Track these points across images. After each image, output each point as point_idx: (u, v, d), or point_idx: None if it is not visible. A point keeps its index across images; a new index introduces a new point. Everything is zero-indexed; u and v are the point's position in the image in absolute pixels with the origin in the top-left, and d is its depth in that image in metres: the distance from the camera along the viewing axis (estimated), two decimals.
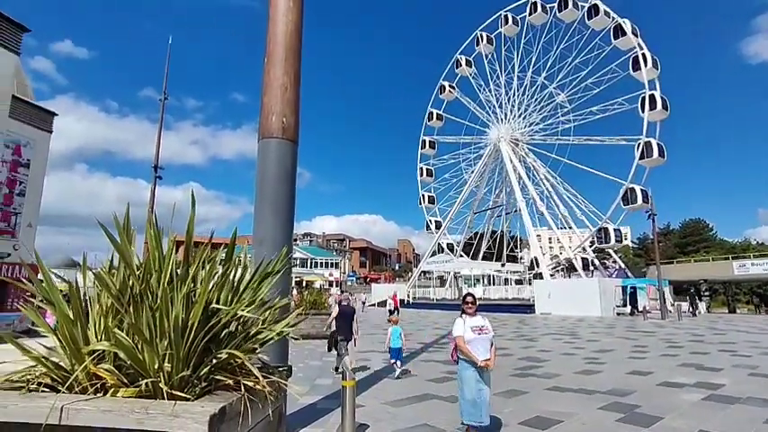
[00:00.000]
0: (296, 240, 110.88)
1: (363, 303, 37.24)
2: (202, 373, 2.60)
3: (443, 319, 26.66)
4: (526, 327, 20.32)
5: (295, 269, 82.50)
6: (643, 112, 35.66)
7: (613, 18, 38.28)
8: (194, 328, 2.54)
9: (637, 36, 37.72)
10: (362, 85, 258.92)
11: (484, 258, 49.56)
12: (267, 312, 3.15)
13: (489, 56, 50.40)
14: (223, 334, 2.85)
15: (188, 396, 2.38)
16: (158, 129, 37.84)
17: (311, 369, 9.46)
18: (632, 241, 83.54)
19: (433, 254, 48.05)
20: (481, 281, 44.54)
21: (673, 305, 30.52)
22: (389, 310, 25.37)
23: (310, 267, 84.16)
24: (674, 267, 45.32)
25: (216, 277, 2.90)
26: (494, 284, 43.34)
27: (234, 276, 2.98)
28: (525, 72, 46.45)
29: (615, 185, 36.98)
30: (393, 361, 8.96)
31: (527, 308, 32.39)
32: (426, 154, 55.58)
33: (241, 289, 2.96)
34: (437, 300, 43.82)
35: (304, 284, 76.65)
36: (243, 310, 2.67)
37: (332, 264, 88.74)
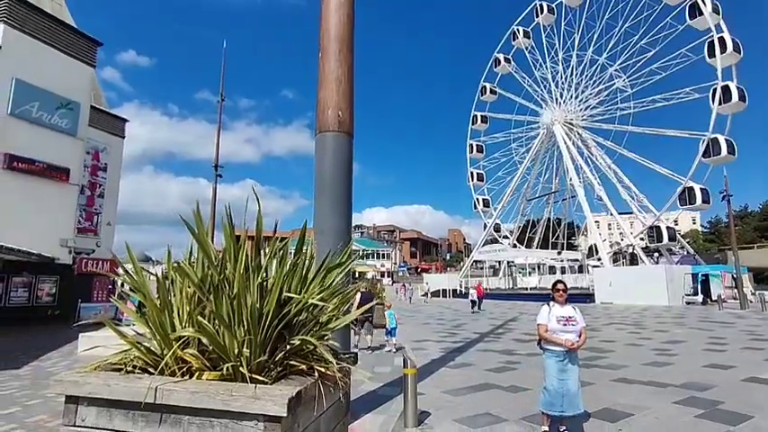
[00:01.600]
0: None
1: (410, 296, 37.19)
2: (278, 358, 2.73)
3: (497, 308, 26.21)
4: (587, 317, 19.40)
5: None
6: (712, 57, 32.32)
7: None
8: (269, 316, 2.67)
9: (718, 14, 33.69)
10: (410, 76, 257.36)
11: (539, 247, 48.04)
12: (335, 301, 3.25)
13: (549, 28, 47.45)
14: (295, 321, 2.98)
15: (266, 380, 2.51)
16: (217, 129, 39.68)
17: (370, 357, 9.64)
18: (702, 225, 77.75)
19: (486, 243, 47.18)
20: (536, 270, 43.17)
21: (754, 294, 28.18)
22: (472, 301, 25.02)
23: (362, 258, 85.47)
24: (754, 253, 41.79)
25: (286, 267, 3.02)
26: (550, 273, 41.85)
27: (303, 267, 3.10)
28: (585, 50, 43.93)
29: (690, 149, 34.09)
30: (387, 339, 11.33)
31: (586, 297, 31.09)
32: (477, 129, 53.90)
33: (309, 278, 3.07)
34: (490, 290, 43.09)
35: (356, 275, 78.13)
36: (313, 299, 2.77)
37: (383, 255, 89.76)
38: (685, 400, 5.80)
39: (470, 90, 57.23)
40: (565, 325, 4.43)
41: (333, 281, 3.10)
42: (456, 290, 43.66)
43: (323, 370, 2.81)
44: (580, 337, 4.48)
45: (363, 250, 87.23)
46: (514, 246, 47.82)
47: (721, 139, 31.69)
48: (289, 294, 2.78)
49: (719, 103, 31.92)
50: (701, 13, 33.51)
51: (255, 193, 3.17)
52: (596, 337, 12.34)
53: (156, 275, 2.75)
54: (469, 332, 14.31)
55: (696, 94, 34.85)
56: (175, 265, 2.96)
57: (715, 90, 32.50)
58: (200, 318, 2.59)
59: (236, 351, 2.61)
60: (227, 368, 2.59)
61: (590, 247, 42.47)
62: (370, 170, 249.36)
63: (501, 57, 51.87)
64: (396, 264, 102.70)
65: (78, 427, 2.43)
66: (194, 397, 2.32)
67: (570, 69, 44.45)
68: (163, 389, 2.33)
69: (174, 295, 3.03)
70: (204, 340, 2.61)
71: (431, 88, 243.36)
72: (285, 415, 2.27)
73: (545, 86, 46.73)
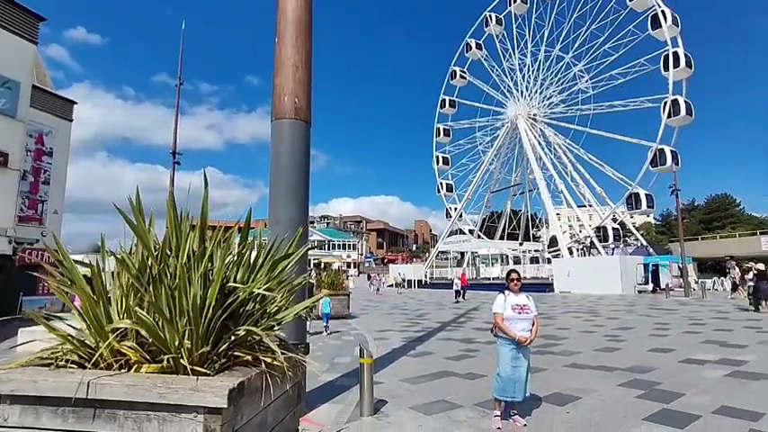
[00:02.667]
0: (313, 223, 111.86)
1: (378, 286, 37.17)
2: (221, 349, 2.67)
3: None
4: (544, 305, 20.20)
5: (313, 251, 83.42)
6: (666, 70, 34.10)
7: None
8: (212, 306, 2.60)
9: (677, 27, 35.54)
10: (377, 66, 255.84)
11: (502, 238, 49.22)
12: (284, 291, 3.20)
13: (500, 36, 48.99)
14: (241, 312, 2.91)
15: (208, 371, 2.45)
16: (175, 115, 38.09)
17: (330, 348, 9.61)
18: (655, 218, 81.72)
19: (451, 234, 47.91)
20: (499, 260, 44.30)
21: (697, 282, 29.93)
22: (456, 291, 25.28)
23: (328, 249, 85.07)
24: (699, 244, 44.38)
25: (231, 257, 2.94)
26: (512, 264, 43.03)
27: (250, 256, 3.03)
28: (539, 47, 45.10)
29: (641, 153, 35.72)
30: (325, 324, 12.26)
31: (546, 286, 32.17)
32: (441, 141, 54.77)
33: (257, 268, 3.01)
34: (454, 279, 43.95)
35: (322, 266, 77.65)
36: (259, 289, 2.71)
37: (349, 245, 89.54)
38: (629, 382, 6.10)
39: (439, 81, 57.31)
40: (520, 313, 4.53)
41: (281, 271, 3.05)
42: (421, 280, 44.18)
43: (269, 361, 2.77)
44: (533, 326, 4.61)
45: (329, 241, 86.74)
46: (479, 237, 48.79)
47: (680, 99, 33.41)
48: (233, 284, 2.72)
49: (669, 116, 33.74)
50: (661, 25, 34.99)
51: (206, 177, 3.06)
52: (552, 325, 12.80)
53: (92, 265, 2.62)
54: (432, 322, 14.53)
55: (649, 103, 36.55)
56: (114, 254, 2.84)
57: (666, 57, 34.21)
58: (137, 309, 2.49)
59: (176, 343, 2.52)
60: (168, 360, 2.51)
61: (550, 239, 43.83)
62: (337, 160, 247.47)
63: (457, 70, 52.72)
64: (362, 255, 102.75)
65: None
66: (130, 390, 2.24)
67: (537, 64, 45.45)
68: (96, 383, 2.23)
69: (114, 287, 2.90)
70: (143, 332, 2.52)
71: (400, 79, 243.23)
72: (226, 406, 2.22)
73: (512, 78, 47.65)
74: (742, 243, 41.48)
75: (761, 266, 15.87)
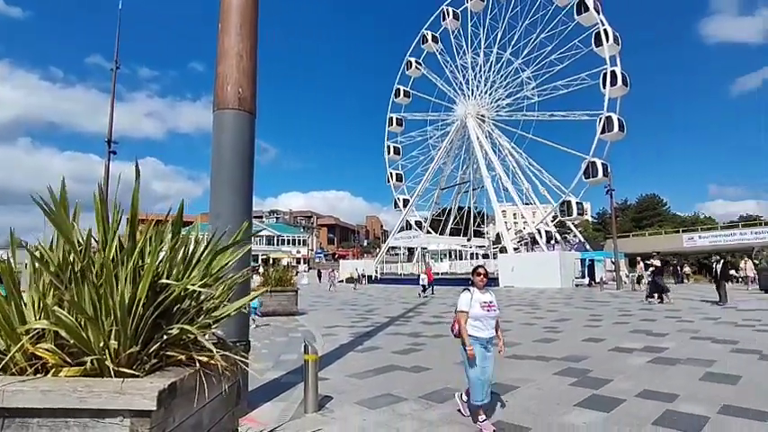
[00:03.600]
0: (261, 217, 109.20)
1: (332, 282, 36.80)
2: (152, 349, 2.53)
3: (410, 293, 27.13)
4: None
5: (261, 246, 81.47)
6: (604, 87, 36.44)
7: None
8: (142, 304, 2.45)
9: (599, 12, 38.05)
10: (330, 58, 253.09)
11: (451, 234, 50.46)
12: (222, 287, 3.08)
13: (455, 31, 50.06)
14: (175, 309, 2.77)
15: (137, 373, 2.31)
16: (111, 100, 35.93)
17: (277, 345, 9.44)
18: (592, 216, 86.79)
19: (401, 230, 48.47)
20: (447, 256, 45.40)
21: (627, 276, 32.15)
22: (423, 286, 25.37)
23: (277, 245, 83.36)
24: (630, 240, 47.65)
25: (166, 252, 2.79)
26: (460, 259, 44.24)
27: (185, 251, 2.89)
28: (491, 48, 46.54)
29: (577, 161, 37.98)
30: (252, 317, 12.54)
31: (491, 281, 33.24)
32: (393, 131, 55.28)
33: (193, 264, 2.87)
34: (404, 275, 44.49)
35: (271, 262, 76.02)
36: (194, 285, 2.59)
37: (299, 241, 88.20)
38: (563, 370, 6.46)
39: (392, 75, 57.55)
40: (488, 311, 4.35)
41: (220, 266, 2.93)
42: (372, 276, 44.36)
43: (205, 360, 2.66)
44: (497, 331, 4.50)
45: (278, 236, 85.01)
46: (428, 233, 49.70)
47: (614, 117, 35.80)
48: (166, 281, 2.58)
49: (603, 131, 35.99)
50: (587, 10, 37.55)
51: (138, 166, 2.86)
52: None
53: (1, 262, 2.39)
54: (381, 317, 14.64)
55: (590, 80, 38.86)
56: (28, 249, 2.61)
57: (605, 74, 36.48)
58: (56, 308, 2.30)
59: (101, 344, 2.36)
60: (92, 362, 2.35)
61: (496, 235, 45.43)
62: (287, 154, 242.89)
63: (413, 60, 53.53)
64: (312, 250, 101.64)
65: None
66: (46, 397, 2.07)
67: (489, 65, 46.81)
68: (5, 390, 2.05)
69: (30, 285, 2.67)
70: (62, 333, 2.33)
71: (353, 73, 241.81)
72: (155, 408, 2.10)
73: (457, 84, 48.99)
74: (667, 240, 45.04)
75: (657, 262, 17.34)
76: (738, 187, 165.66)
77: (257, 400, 5.16)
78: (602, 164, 35.91)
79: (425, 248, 46.03)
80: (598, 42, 37.12)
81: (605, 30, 36.86)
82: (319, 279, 48.61)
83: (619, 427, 4.23)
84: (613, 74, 36.10)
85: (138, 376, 2.30)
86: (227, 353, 2.93)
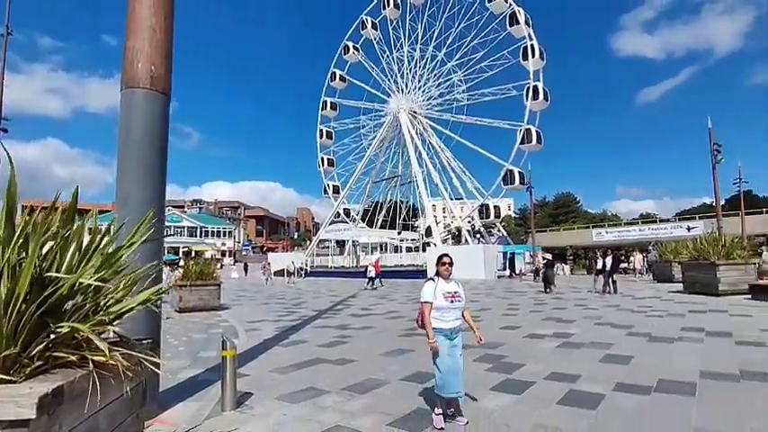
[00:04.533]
0: (183, 207, 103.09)
1: (268, 276, 35.19)
2: (36, 350, 2.26)
3: (340, 286, 27.11)
4: (417, 290, 21.45)
5: (183, 239, 76.99)
6: (527, 100, 38.71)
7: (510, 4, 40.30)
8: (23, 300, 2.18)
9: (529, 26, 40.14)
10: (262, 42, 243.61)
11: (382, 227, 51.03)
12: (125, 281, 2.83)
13: (395, 21, 50.29)
14: (66, 306, 2.50)
15: (13, 378, 2.05)
16: (1, 71, 31.88)
17: (195, 342, 8.97)
18: (514, 212, 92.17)
19: (332, 222, 48.19)
20: (378, 249, 45.91)
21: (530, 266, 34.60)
22: (370, 278, 25.26)
23: (200, 236, 79.27)
24: (547, 235, 51.24)
25: (55, 242, 2.50)
26: (390, 252, 44.93)
27: (80, 241, 2.61)
28: (428, 45, 47.49)
29: (499, 164, 40.06)
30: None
31: (420, 273, 34.22)
32: (327, 116, 54.62)
33: (89, 255, 2.60)
34: (335, 268, 44.34)
35: (193, 254, 72.10)
36: (88, 278, 2.35)
37: (225, 233, 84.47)
38: (481, 357, 6.78)
39: (324, 65, 56.71)
40: (452, 301, 4.18)
41: (119, 258, 2.68)
42: (302, 269, 43.69)
43: (102, 360, 2.43)
44: (466, 318, 4.39)
45: (201, 227, 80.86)
46: (360, 225, 49.89)
47: (533, 129, 38.30)
48: (54, 274, 2.31)
49: (532, 99, 38.45)
50: (518, 23, 39.61)
51: (7, 152, 2.50)
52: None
53: None
54: (309, 310, 14.46)
55: (515, 91, 41.04)
56: None
57: (528, 88, 38.72)
58: None
59: None
60: None
61: (426, 228, 46.64)
62: (214, 140, 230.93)
63: (350, 45, 53.11)
64: (240, 242, 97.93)
65: None
66: None
67: (414, 62, 47.66)
68: None
69: None
70: None
71: (288, 58, 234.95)
72: (34, 416, 1.89)
73: (392, 77, 49.37)
74: (579, 234, 49.03)
75: (548, 256, 19.00)
76: (640, 188, 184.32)
77: (170, 400, 4.86)
78: (519, 172, 38.38)
79: (356, 241, 46.18)
80: (525, 56, 39.22)
81: (532, 45, 39.00)
82: (246, 272, 46.91)
83: (528, 408, 4.52)
84: (536, 88, 38.48)
85: (13, 382, 2.05)
86: (129, 351, 2.71)
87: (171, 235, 74.72)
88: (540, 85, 38.83)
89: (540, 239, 46.54)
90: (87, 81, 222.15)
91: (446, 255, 4.44)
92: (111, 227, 3.25)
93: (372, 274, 25.77)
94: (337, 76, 53.64)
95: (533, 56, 38.68)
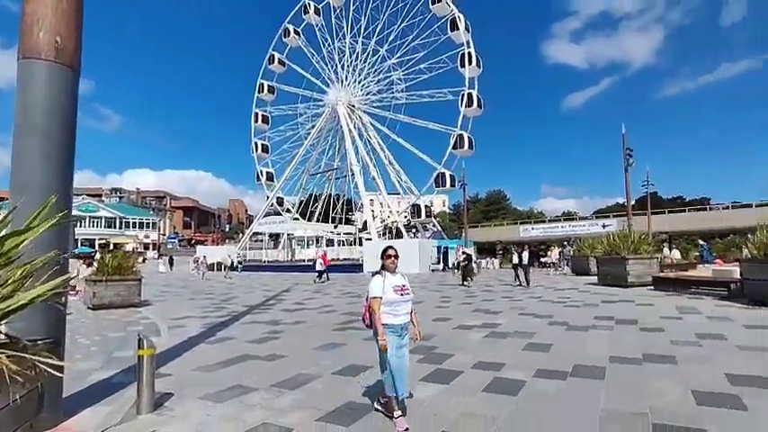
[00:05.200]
0: (101, 196, 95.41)
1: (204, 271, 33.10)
2: None
3: (274, 281, 26.45)
4: (353, 284, 21.53)
5: (100, 230, 71.21)
6: (462, 67, 40.25)
7: (452, 9, 41.29)
8: None
9: (468, 32, 41.59)
10: (196, 20, 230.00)
11: (318, 220, 50.40)
12: (17, 273, 2.50)
13: (338, 9, 49.82)
14: None
15: None
16: None
17: (110, 341, 8.30)
18: (449, 208, 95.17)
19: (267, 214, 46.82)
20: (315, 242, 45.34)
21: (476, 262, 36.05)
22: (319, 271, 24.70)
23: (120, 228, 73.68)
24: (479, 230, 53.48)
25: None
26: (328, 246, 44.55)
27: None
28: (356, 39, 47.57)
29: (446, 142, 41.56)
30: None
31: (357, 267, 34.31)
32: (264, 99, 52.82)
33: None
34: (269, 262, 43.18)
35: (111, 247, 66.87)
36: None
37: (148, 224, 79.14)
38: (413, 349, 6.86)
39: (263, 50, 54.48)
40: (402, 294, 3.99)
41: (11, 248, 2.36)
42: (233, 263, 42.07)
43: None
44: (413, 312, 4.18)
45: (122, 218, 75.22)
46: (296, 219, 48.91)
47: (465, 135, 39.85)
48: None
49: (465, 107, 39.64)
50: (458, 28, 40.82)
51: None
52: (357, 303, 13.67)
53: None
54: (239, 305, 13.94)
55: (451, 96, 42.28)
56: None
57: (462, 95, 40.00)
58: None
59: None
60: None
61: (364, 222, 46.82)
62: (138, 124, 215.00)
63: (291, 28, 51.59)
64: (165, 234, 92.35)
65: None
66: None
67: (355, 54, 47.43)
68: None
69: None
70: None
71: (219, 40, 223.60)
72: None
73: (332, 67, 48.77)
74: (508, 230, 51.70)
75: (469, 251, 20.11)
76: (564, 187, 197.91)
77: (77, 405, 4.42)
78: (451, 175, 40.29)
79: (292, 235, 45.29)
80: (453, 28, 40.62)
81: (470, 53, 40.61)
82: (171, 267, 44.18)
83: (456, 397, 4.65)
84: (470, 96, 39.99)
85: None
86: (20, 354, 2.40)
87: (84, 226, 68.77)
88: (475, 93, 40.42)
89: (473, 234, 48.50)
90: None
91: (391, 247, 4.19)
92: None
93: (321, 267, 25.39)
94: (276, 59, 51.96)
95: (470, 63, 40.18)
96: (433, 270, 32.45)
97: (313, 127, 48.33)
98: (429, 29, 43.37)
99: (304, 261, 40.27)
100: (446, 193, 40.01)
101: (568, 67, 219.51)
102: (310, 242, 45.35)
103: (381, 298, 3.91)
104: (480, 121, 42.48)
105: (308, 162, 50.49)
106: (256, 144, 51.79)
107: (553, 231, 48.51)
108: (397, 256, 4.10)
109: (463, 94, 40.33)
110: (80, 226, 67.83)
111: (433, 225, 48.21)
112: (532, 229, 49.74)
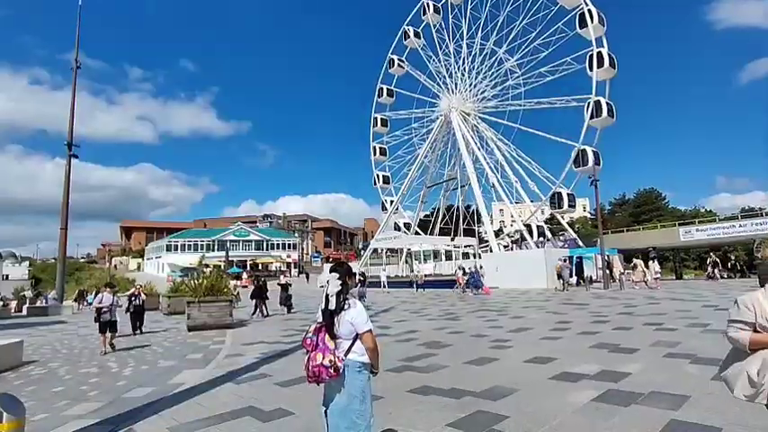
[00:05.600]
0: (255, 222, 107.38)
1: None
2: None
3: (383, 298, 25.18)
4: (461, 303, 18.99)
5: (250, 252, 79.60)
6: (591, 70, 34.49)
7: (581, 3, 36.05)
8: None
9: (603, 26, 35.67)
10: (321, 58, 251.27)
11: (441, 234, 48.30)
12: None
13: (437, 25, 48.04)
14: None
15: None
16: (71, 98, 33.95)
17: (150, 371, 7.50)
18: (590, 213, 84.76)
19: (386, 230, 46.49)
20: (431, 256, 43.24)
21: (622, 273, 30.09)
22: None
23: (267, 249, 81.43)
24: (626, 236, 45.48)
25: None
26: (448, 260, 42.16)
27: None
28: (473, 40, 44.51)
29: (567, 151, 36.05)
30: None
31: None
32: (379, 132, 53.18)
33: None
34: (389, 278, 42.39)
35: (259, 267, 74.09)
36: None
37: (290, 245, 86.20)
38: (467, 418, 4.46)
39: (376, 71, 55.13)
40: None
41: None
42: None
43: None
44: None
45: (267, 240, 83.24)
46: (416, 233, 47.68)
47: (602, 101, 33.91)
48: None
49: (591, 117, 34.11)
50: (588, 24, 35.05)
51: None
52: (448, 328, 11.33)
53: None
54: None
55: (575, 102, 36.84)
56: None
57: (591, 57, 34.49)
58: None
59: None
60: None
61: (484, 234, 43.51)
62: (288, 156, 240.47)
63: (395, 58, 51.50)
64: (308, 254, 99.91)
65: None
66: None
67: (472, 57, 44.81)
68: None
69: None
70: None
71: (346, 73, 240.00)
72: None
73: (441, 79, 46.86)
74: (663, 234, 42.81)
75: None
76: (745, 178, 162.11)
77: None
78: (593, 151, 33.99)
79: (410, 249, 44.08)
80: (582, 24, 35.10)
81: (589, 10, 34.92)
82: (307, 280, 49.99)
83: None
84: (600, 55, 34.15)
85: None
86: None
87: (238, 249, 77.72)
88: (605, 51, 34.47)
89: (618, 241, 41.32)
90: (170, 104, 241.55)
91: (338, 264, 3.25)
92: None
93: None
94: (395, 63, 51.71)
95: (591, 21, 34.43)
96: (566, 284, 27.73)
97: (428, 132, 46.80)
98: (554, 24, 38.38)
99: (425, 276, 38.14)
100: (589, 172, 33.36)
101: (747, 30, 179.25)
102: (427, 256, 43.41)
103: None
104: (627, 106, 35.71)
105: (425, 174, 49.04)
106: (374, 148, 52.22)
107: (727, 233, 38.32)
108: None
109: (591, 55, 34.69)
110: (234, 249, 76.85)
111: (569, 232, 42.40)
112: (697, 230, 40.11)
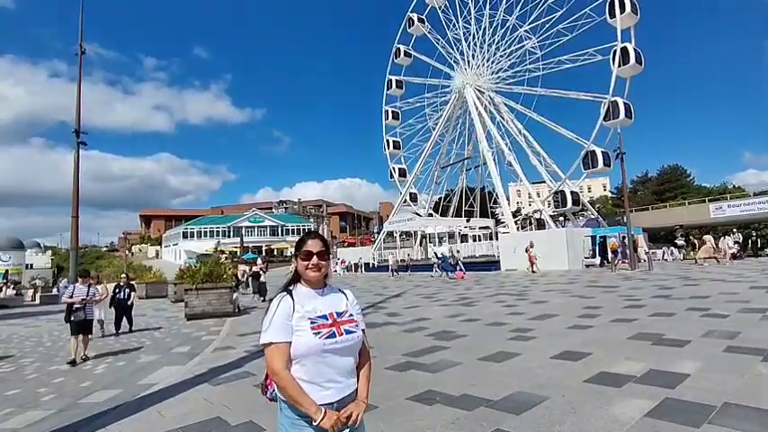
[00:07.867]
0: (270, 209, 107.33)
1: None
2: None
3: (394, 282, 24.18)
4: (478, 287, 17.85)
5: (265, 238, 79.55)
6: (613, 17, 31.93)
7: None
8: None
9: None
10: (337, 40, 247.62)
11: (457, 216, 46.89)
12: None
13: (442, 6, 45.50)
14: None
15: None
16: (77, 86, 33.36)
17: (123, 368, 6.65)
18: (611, 191, 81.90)
19: (402, 210, 45.25)
20: (447, 239, 41.90)
21: (647, 253, 28.47)
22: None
23: (282, 235, 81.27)
24: (650, 214, 43.48)
25: None
26: (462, 242, 40.84)
27: None
28: (482, 12, 42.12)
29: (594, 114, 33.69)
30: None
31: (492, 264, 30.13)
32: (393, 95, 50.94)
33: None
34: (400, 261, 41.41)
35: (274, 252, 73.93)
36: None
37: (304, 230, 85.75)
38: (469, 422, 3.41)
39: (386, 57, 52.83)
40: (333, 335, 1.83)
41: None
42: (369, 263, 41.64)
43: None
44: (363, 362, 1.96)
45: (282, 226, 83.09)
46: (430, 215, 46.38)
47: (620, 101, 31.49)
48: None
49: (619, 65, 31.63)
50: (616, 14, 32.26)
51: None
52: (462, 316, 10.25)
53: None
54: None
55: (599, 55, 34.26)
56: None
57: (615, 51, 31.99)
58: None
59: None
60: None
61: (501, 214, 42.08)
62: (302, 141, 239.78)
63: (415, 17, 48.90)
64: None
65: None
66: None
67: (482, 30, 42.58)
68: None
69: None
70: None
71: (367, 55, 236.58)
72: None
73: (457, 48, 44.65)
74: (692, 211, 40.70)
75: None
76: None
77: None
78: (625, 103, 31.44)
79: (424, 232, 42.91)
80: (612, 12, 32.32)
81: None
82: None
83: None
84: (625, 51, 31.36)
85: None
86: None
87: (253, 235, 77.75)
88: (631, 47, 31.54)
89: (642, 220, 39.43)
90: (185, 94, 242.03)
91: (313, 238, 1.96)
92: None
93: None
94: (402, 52, 49.73)
95: (623, 10, 31.63)
96: (587, 266, 26.32)
97: (441, 117, 45.01)
98: (582, 8, 35.51)
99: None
100: (597, 174, 31.67)
101: None
102: (441, 239, 42.08)
103: (286, 345, 1.75)
104: (649, 82, 33.17)
105: (439, 155, 47.35)
106: (388, 141, 50.55)
107: (762, 208, 36.01)
108: (323, 256, 1.91)
109: (615, 50, 32.16)
110: (248, 235, 76.77)
111: (591, 212, 40.61)
112: (728, 206, 37.85)
